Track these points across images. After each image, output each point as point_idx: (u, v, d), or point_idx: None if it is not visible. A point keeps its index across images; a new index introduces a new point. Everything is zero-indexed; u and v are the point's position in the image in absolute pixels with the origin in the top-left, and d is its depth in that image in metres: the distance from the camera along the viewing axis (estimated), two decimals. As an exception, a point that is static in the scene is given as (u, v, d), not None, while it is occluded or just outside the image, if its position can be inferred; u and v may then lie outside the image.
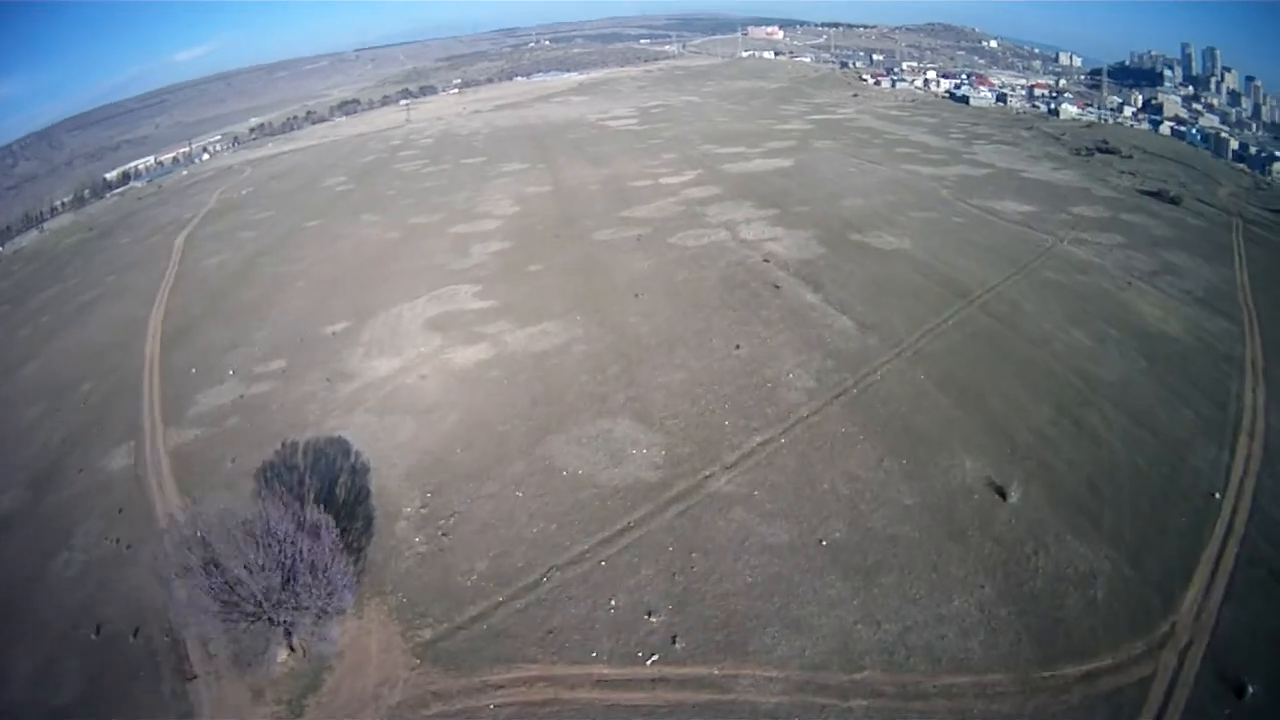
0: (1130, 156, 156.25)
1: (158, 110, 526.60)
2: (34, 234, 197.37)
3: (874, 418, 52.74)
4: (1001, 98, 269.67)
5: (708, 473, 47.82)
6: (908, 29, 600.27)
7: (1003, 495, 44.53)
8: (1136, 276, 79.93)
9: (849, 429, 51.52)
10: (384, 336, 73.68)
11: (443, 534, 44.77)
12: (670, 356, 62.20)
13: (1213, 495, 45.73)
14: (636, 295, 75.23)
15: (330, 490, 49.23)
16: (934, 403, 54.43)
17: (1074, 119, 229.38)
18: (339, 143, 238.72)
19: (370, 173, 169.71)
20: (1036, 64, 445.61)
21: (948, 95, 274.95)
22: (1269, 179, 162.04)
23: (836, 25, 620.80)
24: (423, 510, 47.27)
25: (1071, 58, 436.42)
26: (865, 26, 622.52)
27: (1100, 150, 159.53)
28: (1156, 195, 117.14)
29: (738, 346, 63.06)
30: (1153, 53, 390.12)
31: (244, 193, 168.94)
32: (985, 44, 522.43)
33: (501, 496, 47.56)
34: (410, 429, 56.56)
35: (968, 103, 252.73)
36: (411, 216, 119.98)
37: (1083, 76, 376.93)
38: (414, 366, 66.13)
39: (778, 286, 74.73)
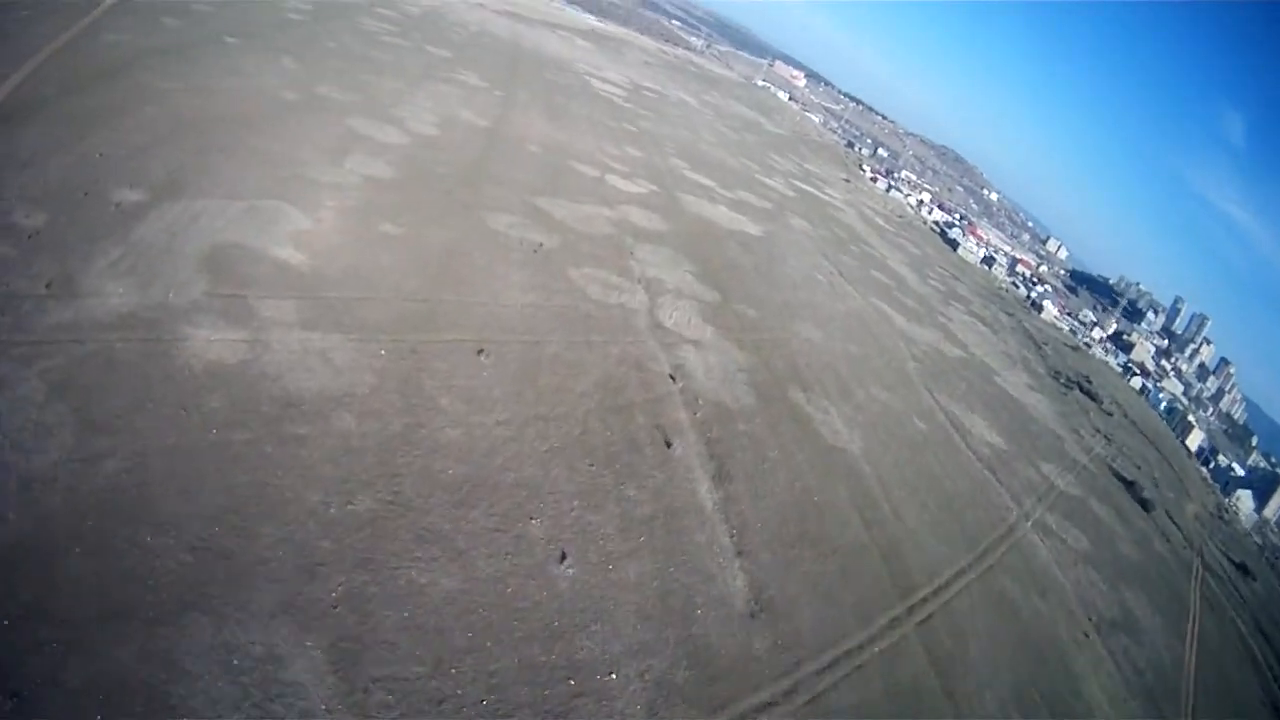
0: (1110, 413, 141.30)
1: None
2: None
3: None
4: (989, 260, 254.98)
5: None
6: (921, 140, 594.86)
7: None
8: (1094, 623, 60.82)
9: None
10: (150, 238, 46.98)
11: None
12: (451, 524, 36.57)
13: None
14: (480, 352, 49.80)
15: None
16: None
17: (1054, 325, 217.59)
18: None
19: (332, 13, 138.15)
20: (1025, 236, 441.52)
21: (937, 228, 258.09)
22: (1231, 507, 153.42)
23: (858, 101, 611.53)
24: None
25: (1060, 248, 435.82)
26: (883, 116, 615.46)
27: (1081, 389, 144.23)
28: (1130, 486, 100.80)
29: (563, 558, 37.23)
30: (1141, 287, 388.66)
31: None
32: (986, 192, 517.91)
33: None
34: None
35: (955, 248, 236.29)
36: (325, 83, 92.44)
37: (1064, 272, 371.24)
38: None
39: (669, 444, 49.89)
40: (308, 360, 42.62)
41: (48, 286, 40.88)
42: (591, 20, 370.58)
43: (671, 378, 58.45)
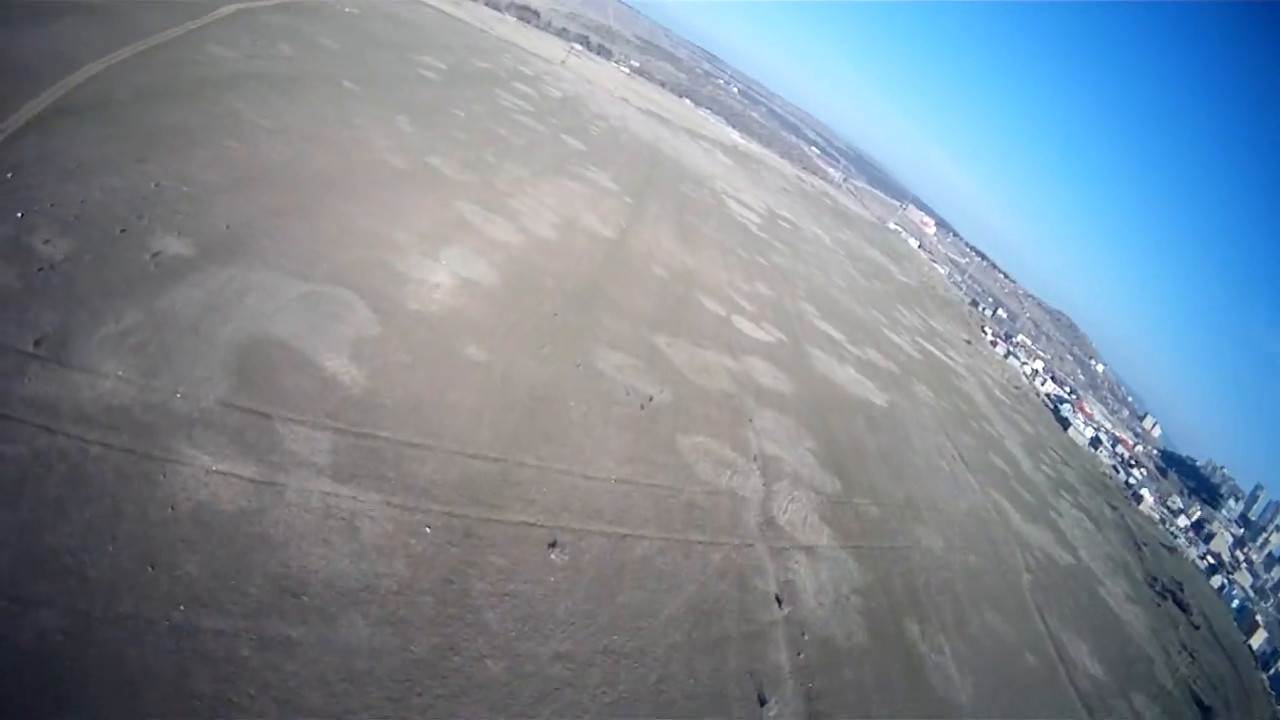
0: (1198, 626, 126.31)
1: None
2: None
3: None
4: (1095, 442, 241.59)
5: None
6: (1038, 302, 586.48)
7: None
8: None
9: None
10: (179, 309, 38.46)
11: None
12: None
13: None
14: (552, 545, 38.82)
15: None
16: None
17: (1151, 518, 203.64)
18: (479, 33, 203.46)
19: (467, 80, 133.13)
20: (1124, 413, 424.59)
21: (1049, 403, 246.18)
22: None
23: (982, 256, 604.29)
24: None
25: (1155, 426, 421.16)
26: (1005, 274, 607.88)
27: (1174, 598, 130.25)
28: (1207, 713, 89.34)
29: None
30: (1224, 470, 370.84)
31: (348, 9, 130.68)
32: (1093, 363, 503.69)
33: None
34: None
35: (1066, 427, 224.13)
36: (441, 155, 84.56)
37: (1155, 452, 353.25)
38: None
39: (763, 702, 37.90)
40: (327, 528, 32.03)
41: (36, 344, 31.76)
42: (734, 135, 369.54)
43: (778, 600, 46.92)
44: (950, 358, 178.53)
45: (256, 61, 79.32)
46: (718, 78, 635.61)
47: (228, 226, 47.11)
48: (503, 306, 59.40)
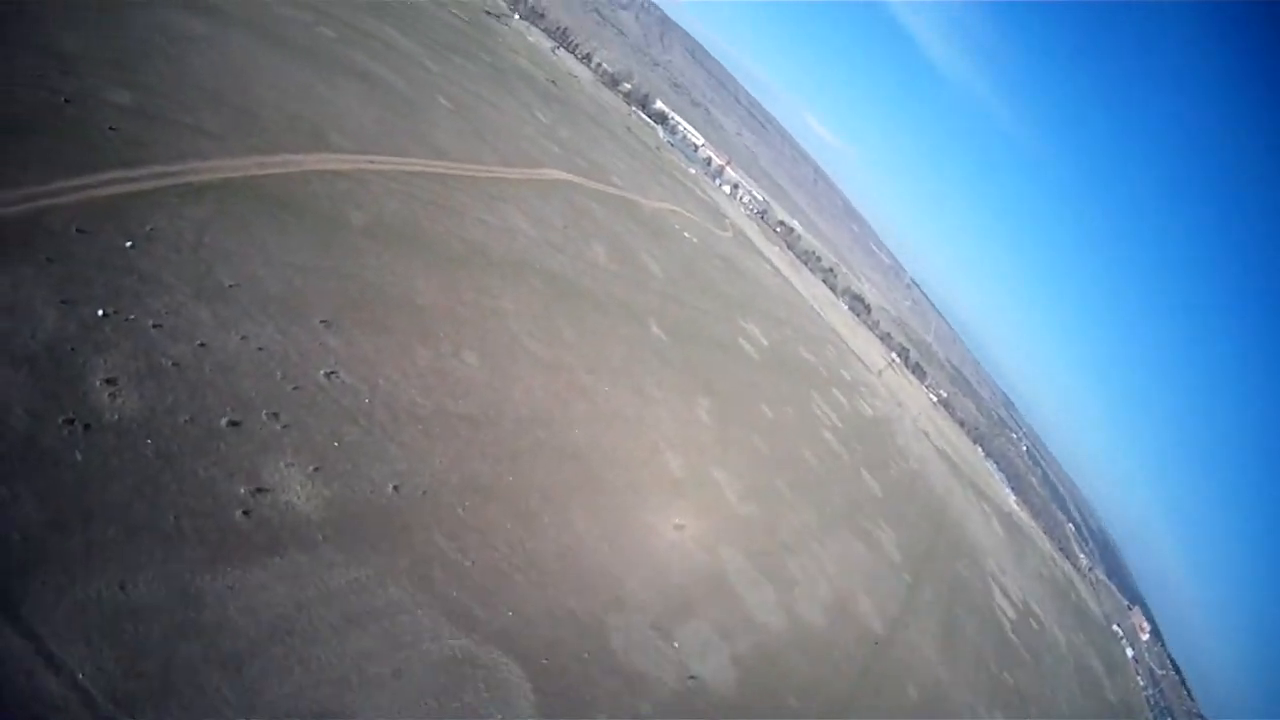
0: None
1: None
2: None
3: None
4: None
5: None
6: None
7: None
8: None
9: None
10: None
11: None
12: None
13: None
14: None
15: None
16: None
17: None
18: (810, 313, 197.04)
19: (787, 369, 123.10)
20: None
21: None
22: None
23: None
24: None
25: None
26: None
27: None
28: None
29: None
30: None
31: (686, 234, 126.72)
32: None
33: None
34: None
35: None
36: (729, 468, 72.35)
37: None
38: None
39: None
40: None
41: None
42: (1011, 499, 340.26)
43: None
44: None
45: (557, 254, 70.67)
46: (1011, 431, 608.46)
47: (396, 489, 37.35)
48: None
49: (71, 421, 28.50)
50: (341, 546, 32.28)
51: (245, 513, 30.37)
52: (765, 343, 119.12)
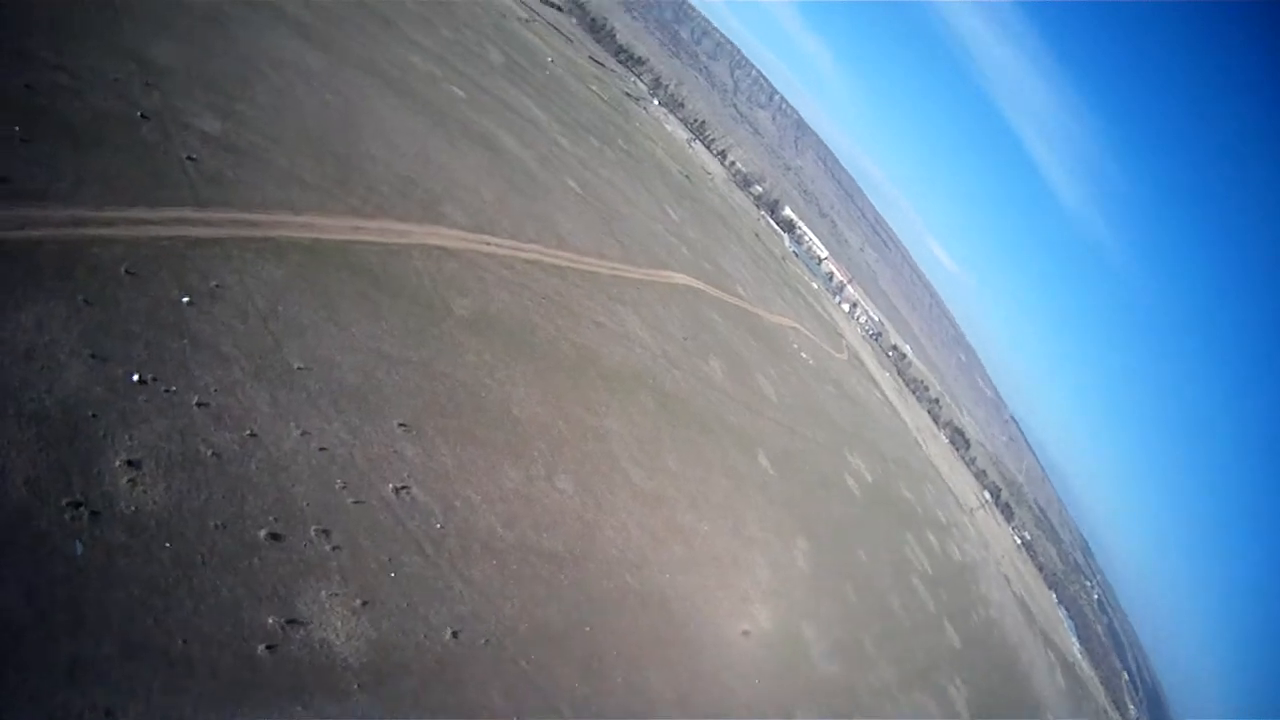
0: None
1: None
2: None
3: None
4: None
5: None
6: None
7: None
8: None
9: None
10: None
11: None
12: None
13: None
14: None
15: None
16: None
17: None
18: (913, 445, 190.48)
19: (885, 507, 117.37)
20: None
21: None
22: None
23: None
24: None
25: None
26: None
27: None
28: None
29: None
30: None
31: (803, 355, 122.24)
32: None
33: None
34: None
35: None
36: (817, 620, 67.70)
37: None
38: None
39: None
40: None
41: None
42: (1074, 647, 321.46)
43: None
44: None
45: (672, 370, 66.41)
46: (1086, 579, 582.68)
47: (455, 635, 32.95)
48: None
49: (78, 505, 24.39)
50: (379, 698, 27.80)
51: (269, 647, 25.88)
52: (869, 478, 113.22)
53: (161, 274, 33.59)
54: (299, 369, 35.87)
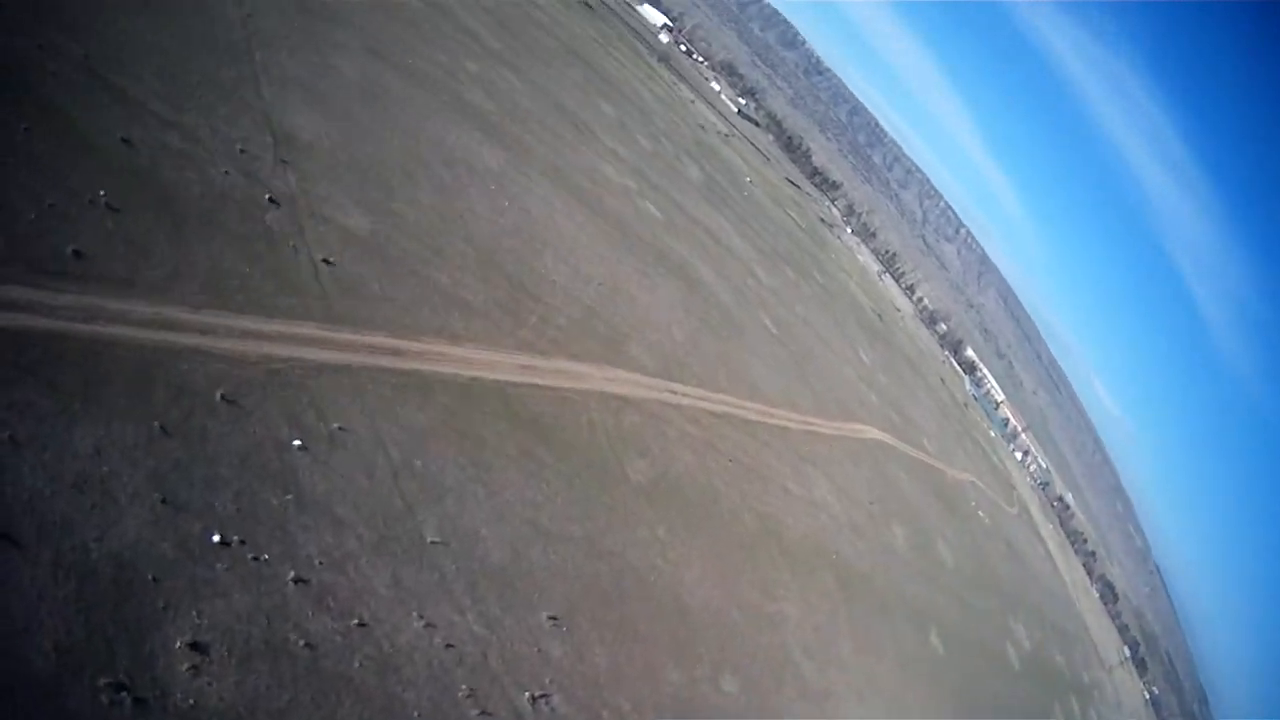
0: None
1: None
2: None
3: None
4: None
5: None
6: None
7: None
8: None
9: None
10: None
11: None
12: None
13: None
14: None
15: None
16: None
17: None
18: (1069, 603, 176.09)
19: (1042, 683, 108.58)
20: None
21: None
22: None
23: None
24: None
25: None
26: None
27: None
28: None
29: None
30: None
31: (980, 513, 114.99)
32: None
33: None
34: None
35: None
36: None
37: None
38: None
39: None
40: None
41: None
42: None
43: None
44: None
45: (856, 540, 63.48)
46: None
47: None
48: None
49: (119, 688, 19.12)
50: None
51: None
52: (1027, 646, 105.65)
53: (268, 405, 28.19)
54: (433, 543, 30.33)
